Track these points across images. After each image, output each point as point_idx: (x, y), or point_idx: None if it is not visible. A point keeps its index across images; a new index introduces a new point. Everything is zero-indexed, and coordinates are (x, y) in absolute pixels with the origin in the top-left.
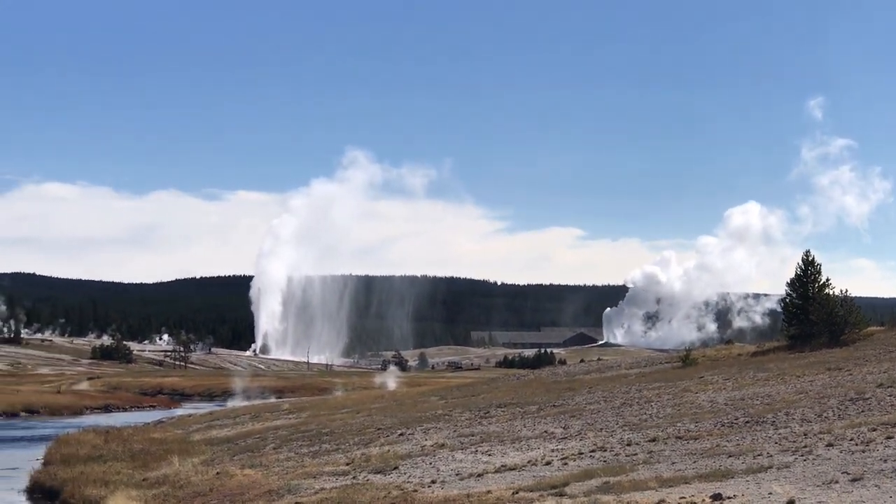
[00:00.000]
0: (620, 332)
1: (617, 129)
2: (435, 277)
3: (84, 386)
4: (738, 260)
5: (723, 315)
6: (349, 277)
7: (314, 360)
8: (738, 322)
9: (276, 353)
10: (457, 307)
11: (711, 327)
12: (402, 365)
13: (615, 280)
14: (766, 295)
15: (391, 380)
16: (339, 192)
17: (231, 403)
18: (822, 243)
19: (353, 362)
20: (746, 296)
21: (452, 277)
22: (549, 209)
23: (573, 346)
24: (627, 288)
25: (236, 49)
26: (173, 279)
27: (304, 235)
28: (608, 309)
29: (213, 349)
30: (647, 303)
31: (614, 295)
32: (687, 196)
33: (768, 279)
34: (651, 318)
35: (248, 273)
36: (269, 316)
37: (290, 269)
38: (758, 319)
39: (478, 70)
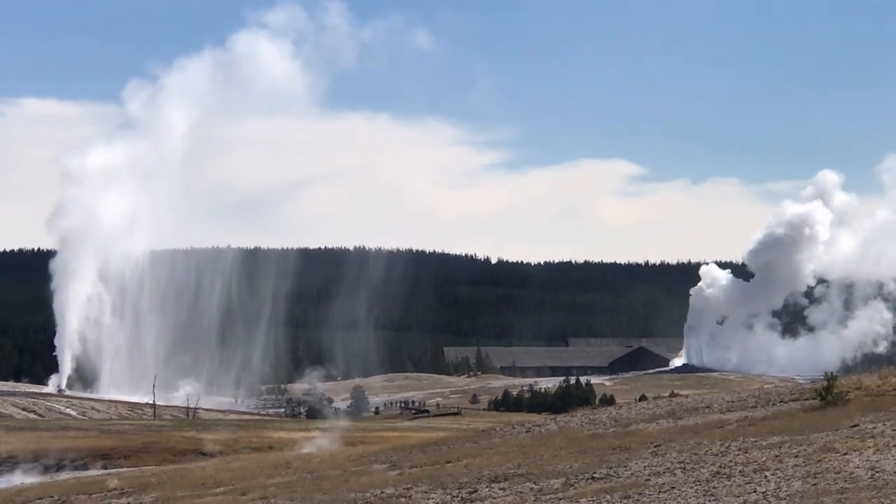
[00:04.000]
0: (718, 346)
1: None
2: (375, 252)
3: None
4: None
5: None
6: (224, 251)
7: (165, 400)
8: None
9: (99, 390)
10: (417, 305)
11: None
12: (320, 407)
13: (700, 253)
14: None
15: (310, 433)
16: (208, 89)
17: (17, 479)
18: None
19: (234, 403)
20: None
21: (407, 251)
22: (580, 130)
23: (626, 373)
24: (735, 266)
25: None
26: None
27: (145, 172)
28: (693, 296)
29: None
30: (782, 287)
31: (697, 279)
32: (825, 107)
33: None
34: (793, 319)
35: (45, 246)
36: (84, 323)
37: (123, 235)
38: None
39: None
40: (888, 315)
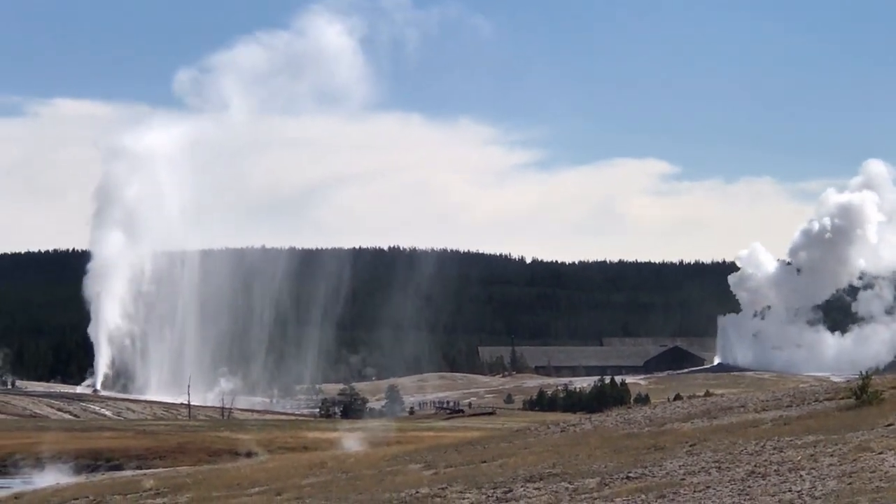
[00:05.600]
0: (760, 342)
1: None
2: (409, 252)
3: None
4: None
5: None
6: (258, 252)
7: (200, 399)
8: None
9: (134, 390)
10: (451, 304)
11: None
12: (355, 406)
13: (734, 252)
14: None
15: (344, 433)
16: (243, 89)
17: (52, 479)
18: None
19: (270, 403)
20: None
21: (441, 251)
22: (613, 128)
23: (661, 372)
24: (774, 263)
25: None
26: None
27: (181, 173)
28: (733, 284)
29: (19, 383)
30: (830, 280)
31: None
32: (860, 105)
33: None
34: (840, 314)
35: (79, 246)
36: (119, 324)
37: (159, 236)
38: None
39: None
40: None
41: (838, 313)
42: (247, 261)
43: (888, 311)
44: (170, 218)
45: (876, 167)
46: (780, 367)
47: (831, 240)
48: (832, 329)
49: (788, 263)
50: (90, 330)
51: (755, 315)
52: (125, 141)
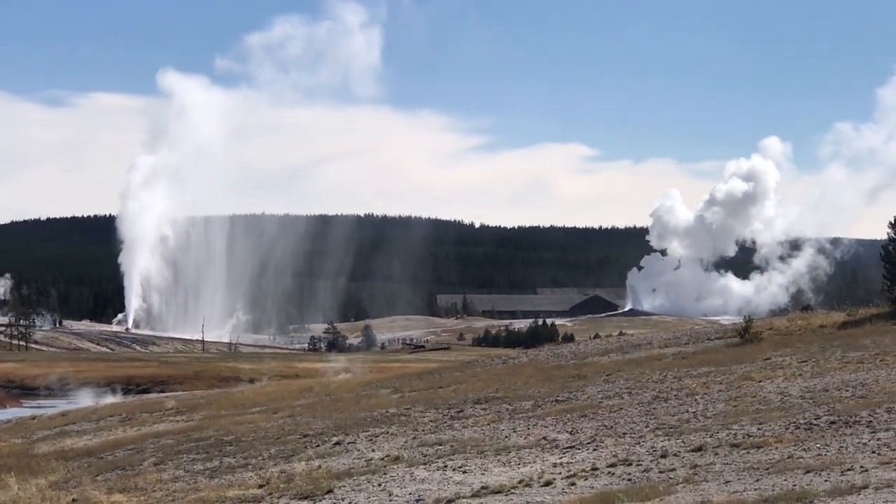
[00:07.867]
0: (676, 289)
1: None
2: (382, 218)
3: None
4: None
5: (848, 268)
6: (260, 218)
7: (212, 337)
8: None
9: (158, 328)
10: (415, 260)
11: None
12: (337, 343)
13: (641, 219)
14: None
15: (328, 364)
16: (243, 90)
17: (92, 400)
18: None
19: (268, 340)
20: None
21: (408, 217)
22: (544, 118)
23: (583, 316)
24: (691, 215)
25: None
26: (7, 221)
27: (194, 155)
28: (657, 231)
29: (66, 322)
30: (733, 235)
31: (639, 239)
32: (747, 95)
33: None
34: (744, 268)
35: (113, 212)
36: (145, 274)
37: (176, 205)
38: None
39: None
40: (824, 264)
41: (741, 265)
42: (250, 227)
43: (782, 259)
44: (182, 195)
45: (773, 144)
46: (689, 312)
47: (736, 201)
48: (739, 275)
49: (701, 218)
50: (124, 269)
51: (676, 268)
52: (169, 109)
